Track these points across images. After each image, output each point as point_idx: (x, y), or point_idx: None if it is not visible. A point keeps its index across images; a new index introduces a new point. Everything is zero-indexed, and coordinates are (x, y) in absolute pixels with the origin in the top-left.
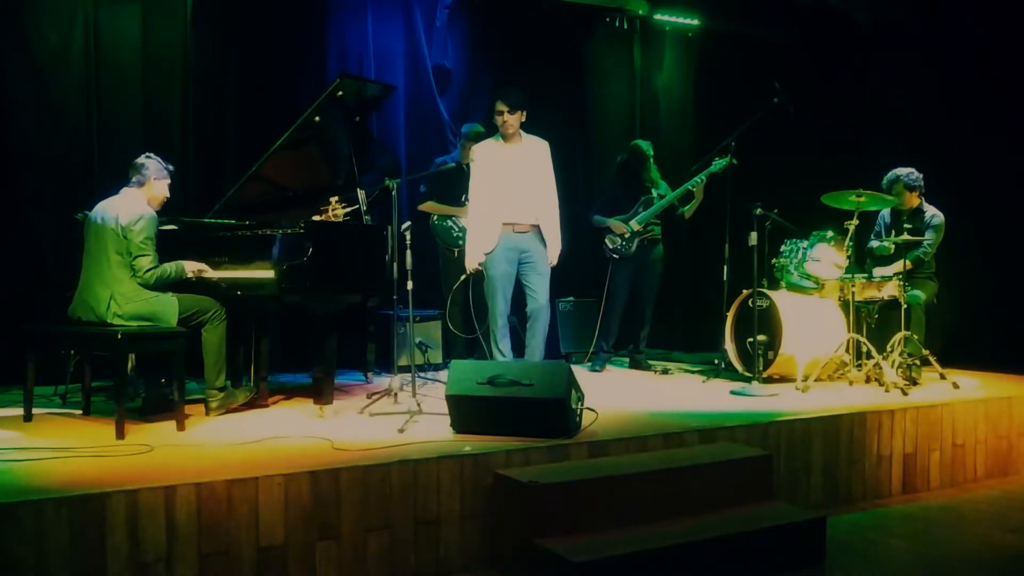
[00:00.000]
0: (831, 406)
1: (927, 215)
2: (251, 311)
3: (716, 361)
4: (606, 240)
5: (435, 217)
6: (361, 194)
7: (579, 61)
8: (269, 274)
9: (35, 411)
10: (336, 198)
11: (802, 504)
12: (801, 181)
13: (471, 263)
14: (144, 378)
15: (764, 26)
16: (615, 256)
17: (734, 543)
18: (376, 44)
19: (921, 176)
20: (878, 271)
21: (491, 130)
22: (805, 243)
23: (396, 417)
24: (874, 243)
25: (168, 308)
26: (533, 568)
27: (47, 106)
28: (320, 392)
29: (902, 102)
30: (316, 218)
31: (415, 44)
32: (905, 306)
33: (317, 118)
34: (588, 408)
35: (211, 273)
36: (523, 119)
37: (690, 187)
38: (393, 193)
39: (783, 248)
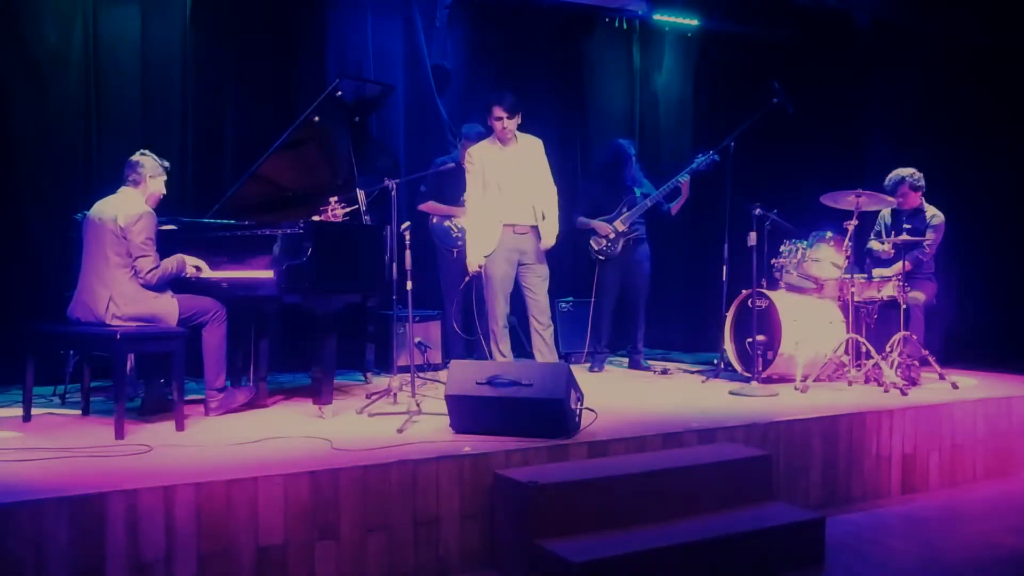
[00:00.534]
0: (830, 406)
1: (927, 215)
2: (250, 311)
3: (715, 361)
4: (591, 242)
5: (434, 218)
6: (360, 194)
7: (578, 61)
8: (268, 274)
9: (34, 411)
10: (335, 198)
11: (801, 504)
12: (800, 181)
13: (472, 264)
14: (143, 378)
15: (763, 26)
16: (600, 257)
17: (733, 543)
18: (376, 44)
19: (922, 176)
20: (877, 271)
21: (491, 131)
22: (804, 243)
23: (395, 417)
24: (873, 243)
25: (168, 309)
26: (532, 568)
27: (46, 106)
28: (319, 392)
29: (901, 102)
30: (315, 218)
31: (415, 44)
32: (904, 306)
33: (316, 118)
34: (587, 408)
35: (210, 273)
36: (519, 121)
37: (674, 185)
38: (392, 193)
39: (782, 248)
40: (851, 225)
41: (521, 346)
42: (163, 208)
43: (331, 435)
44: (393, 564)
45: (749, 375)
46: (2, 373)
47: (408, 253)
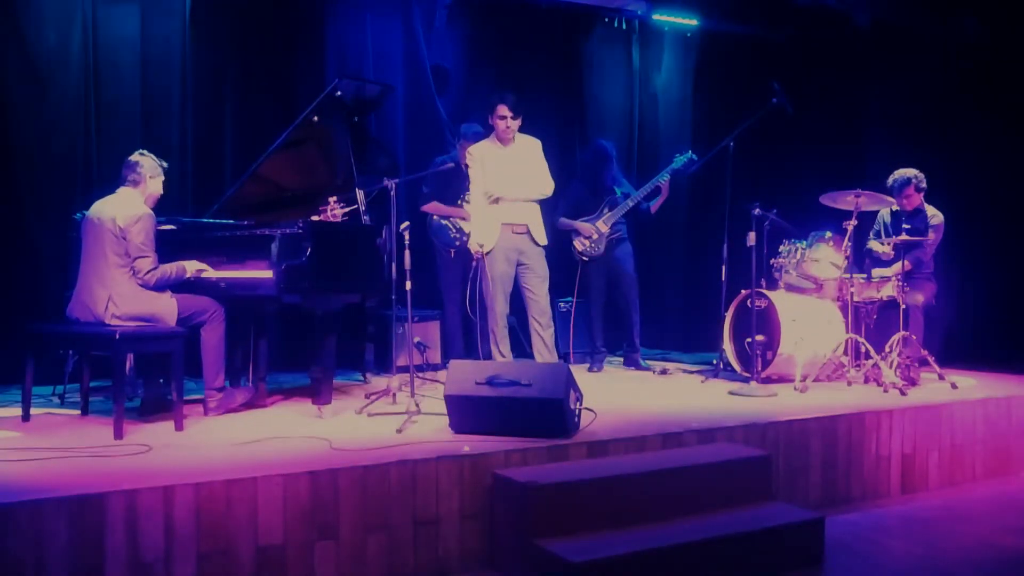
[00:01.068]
0: (830, 406)
1: (927, 215)
2: (250, 311)
3: (715, 361)
4: (574, 242)
5: (434, 217)
6: (360, 194)
7: (578, 61)
8: (268, 274)
9: (33, 411)
10: (335, 198)
11: (801, 504)
12: (799, 181)
13: (474, 244)
14: (143, 378)
15: (763, 26)
16: (584, 258)
17: (733, 543)
18: (375, 44)
19: (924, 177)
20: (877, 271)
21: (490, 131)
22: (804, 243)
23: (395, 417)
24: (873, 243)
25: (167, 308)
26: (532, 568)
27: (45, 106)
28: (319, 392)
29: (900, 102)
30: (315, 218)
31: (414, 44)
32: (904, 306)
33: (316, 118)
34: (587, 408)
35: (210, 273)
36: (520, 122)
37: (655, 184)
38: (392, 193)
39: (782, 248)
40: (850, 225)
41: (521, 346)
42: (162, 208)
43: (330, 435)
44: (392, 564)
45: (748, 375)
46: (1, 373)
47: (407, 253)
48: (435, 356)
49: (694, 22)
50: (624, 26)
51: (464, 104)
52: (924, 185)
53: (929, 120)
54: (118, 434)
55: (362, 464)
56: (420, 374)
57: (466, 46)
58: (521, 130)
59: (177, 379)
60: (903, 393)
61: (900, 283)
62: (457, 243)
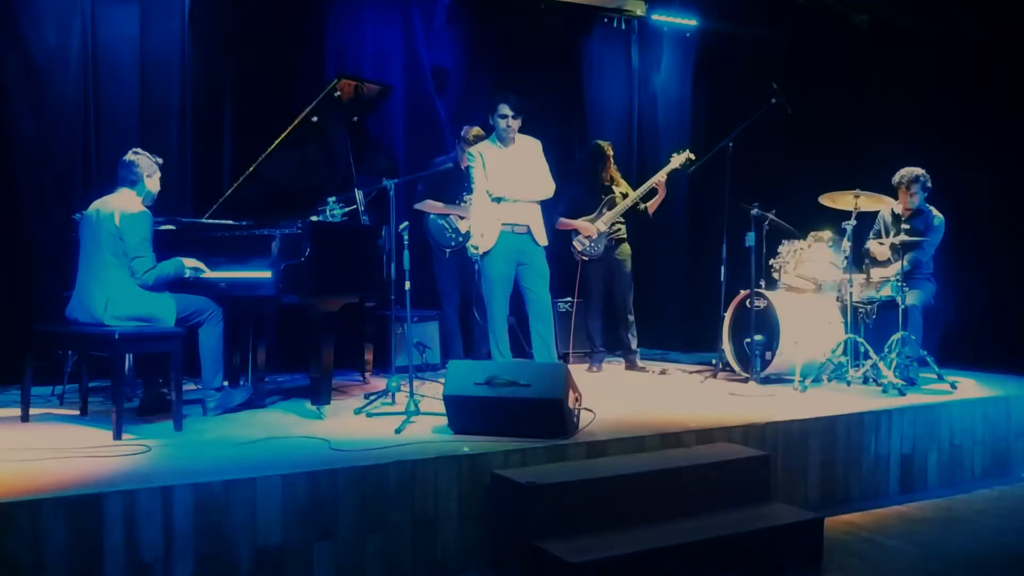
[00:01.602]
0: (829, 406)
1: (927, 216)
2: (249, 311)
3: (714, 361)
4: (574, 242)
5: (430, 216)
6: (359, 194)
7: (577, 61)
8: (266, 274)
9: (32, 411)
10: (334, 198)
11: (800, 504)
12: (799, 181)
13: (470, 248)
14: (142, 378)
15: (762, 27)
16: (584, 258)
17: (732, 544)
18: (374, 44)
19: (928, 178)
20: (876, 272)
21: (488, 131)
22: (803, 243)
23: (393, 417)
24: (871, 243)
25: (165, 308)
26: (531, 568)
27: (45, 106)
28: (317, 392)
29: (900, 102)
30: (314, 218)
31: (413, 44)
32: (903, 307)
33: (315, 118)
34: (586, 408)
35: (209, 273)
36: (521, 123)
37: (652, 184)
38: (391, 193)
39: (781, 248)
40: (849, 225)
41: (520, 347)
42: (161, 208)
43: (329, 435)
44: (391, 564)
45: (747, 375)
46: (1, 373)
47: (406, 253)
48: (434, 356)
49: (693, 22)
50: (623, 26)
51: (463, 104)
52: (930, 185)
53: (928, 120)
54: (117, 434)
55: (361, 464)
56: (419, 374)
57: (465, 46)
58: (521, 130)
59: (176, 379)
60: (902, 393)
61: (899, 283)
62: (453, 243)
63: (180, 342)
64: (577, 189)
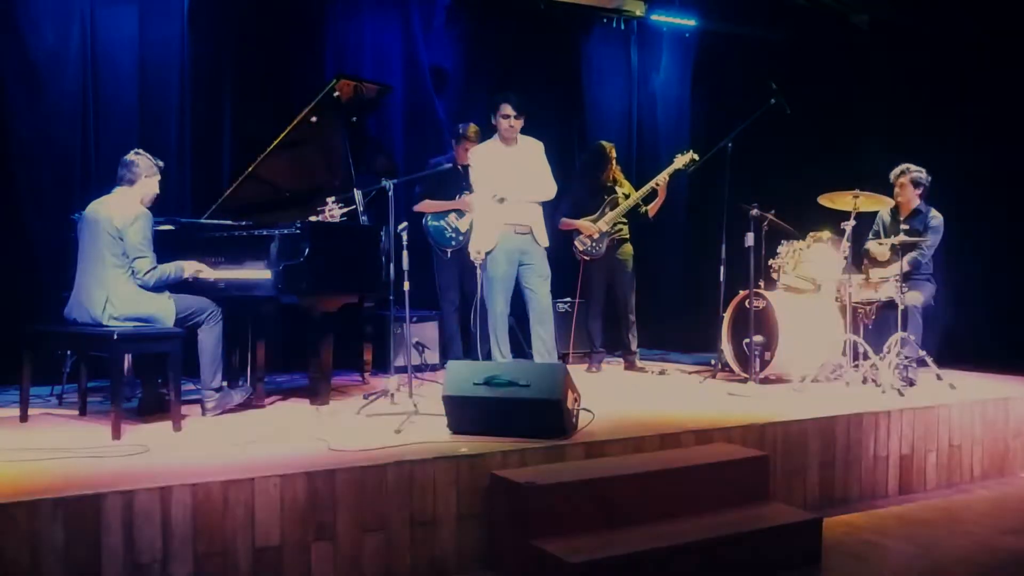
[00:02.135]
0: (827, 407)
1: (926, 216)
2: (248, 311)
3: (713, 362)
4: (575, 242)
5: (428, 217)
6: (358, 194)
7: (576, 61)
8: (266, 275)
9: (31, 411)
10: (333, 198)
11: (798, 505)
12: (798, 182)
13: (473, 251)
14: (140, 378)
15: (761, 27)
16: (586, 258)
17: (730, 544)
18: (373, 44)
19: (929, 179)
20: (875, 272)
21: (486, 130)
22: (802, 244)
23: (392, 418)
24: (870, 244)
25: (164, 309)
26: (529, 569)
27: (44, 106)
28: (316, 393)
29: (899, 102)
30: (313, 219)
31: (412, 44)
32: (902, 307)
33: (314, 118)
34: (585, 409)
35: (208, 273)
36: (523, 123)
37: (654, 185)
38: (390, 194)
39: (780, 249)
40: (849, 225)
41: (520, 347)
42: (160, 208)
43: (328, 436)
44: (390, 565)
45: (746, 376)
46: None
47: (405, 253)
48: (433, 356)
49: (692, 22)
50: (623, 26)
51: (463, 104)
52: (923, 182)
53: (928, 120)
54: (116, 434)
55: (360, 464)
56: (418, 374)
57: (464, 46)
58: (522, 131)
59: (175, 379)
60: (901, 394)
61: (898, 284)
62: (454, 243)
63: (179, 342)
64: (579, 189)
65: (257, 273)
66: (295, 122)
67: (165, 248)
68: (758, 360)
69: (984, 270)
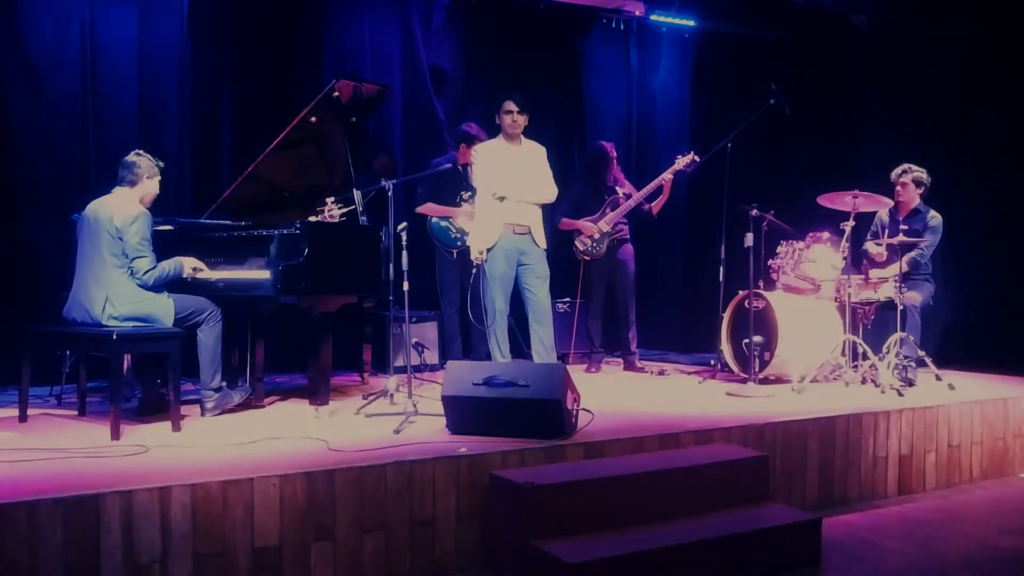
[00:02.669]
0: (827, 407)
1: (925, 217)
2: (247, 312)
3: (712, 362)
4: (576, 242)
5: (432, 218)
6: (357, 195)
7: (576, 62)
8: (265, 275)
9: (30, 411)
10: (332, 199)
11: (798, 505)
12: (797, 182)
13: (474, 252)
14: (140, 379)
15: (760, 27)
16: (586, 258)
17: (730, 544)
18: (373, 44)
19: (930, 180)
20: (874, 272)
21: (487, 130)
22: (801, 244)
23: (392, 418)
24: (869, 244)
25: (164, 309)
26: (529, 569)
27: (43, 106)
28: (316, 393)
29: (898, 103)
30: (312, 219)
31: (412, 45)
32: (901, 307)
33: (313, 119)
34: (584, 409)
35: (208, 273)
36: (526, 124)
37: (657, 185)
38: (389, 194)
39: (779, 249)
40: (848, 226)
41: (520, 347)
42: (160, 208)
43: (327, 436)
44: (389, 565)
45: (746, 376)
46: None
47: (404, 253)
48: (433, 357)
49: (691, 23)
50: (622, 26)
51: (462, 104)
52: (923, 182)
53: (926, 121)
54: (115, 435)
55: (359, 465)
56: (418, 375)
57: (464, 46)
58: (524, 133)
59: (174, 380)
60: (900, 394)
61: (897, 284)
62: (459, 243)
63: (178, 342)
64: (580, 189)
65: (256, 273)
66: (294, 122)
67: (165, 248)
68: (757, 360)
69: (983, 270)
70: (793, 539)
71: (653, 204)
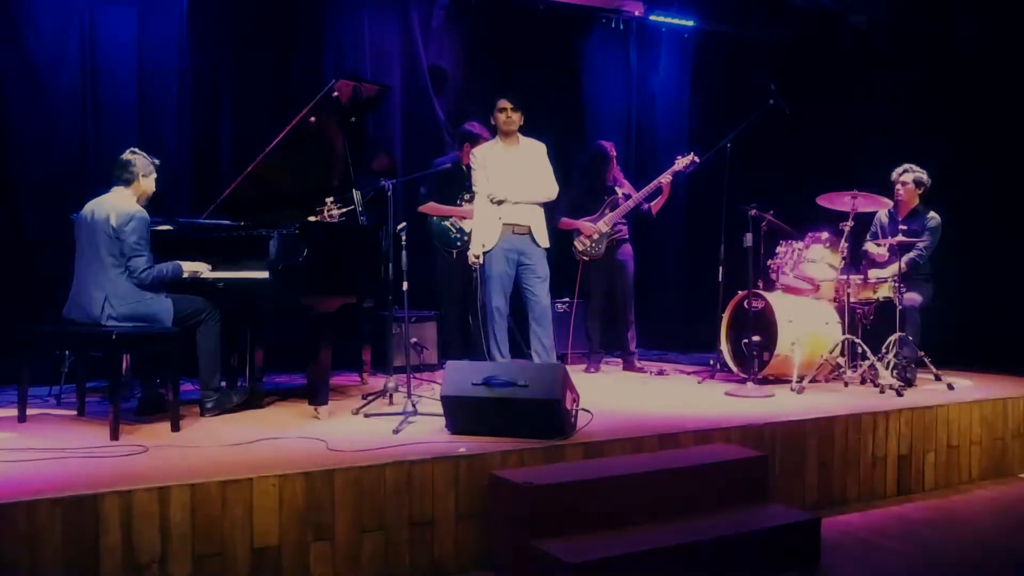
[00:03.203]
0: (826, 407)
1: (924, 218)
2: (246, 312)
3: (711, 362)
4: (575, 242)
5: (433, 218)
6: (357, 195)
7: (575, 62)
8: (264, 275)
9: (29, 411)
10: (332, 199)
11: (797, 505)
12: (796, 182)
13: (471, 256)
14: (139, 379)
15: (760, 27)
16: (585, 258)
17: (729, 544)
18: (372, 44)
19: (930, 181)
20: (874, 272)
21: (492, 130)
22: (800, 244)
23: (391, 418)
24: (869, 245)
25: (163, 309)
26: (528, 569)
27: (43, 106)
28: (315, 393)
29: (897, 103)
30: (311, 219)
31: (411, 44)
32: (900, 308)
33: (313, 119)
34: (583, 409)
35: (207, 273)
36: (521, 122)
37: (656, 185)
38: (389, 194)
39: (778, 249)
40: (847, 226)
41: (519, 347)
42: (159, 208)
43: (326, 436)
44: (388, 565)
45: (745, 376)
46: None
47: (404, 254)
48: (432, 357)
49: (691, 23)
50: (622, 26)
51: (461, 104)
52: (923, 183)
53: (926, 121)
54: (114, 435)
55: (358, 465)
56: (417, 375)
57: (463, 46)
58: (522, 131)
59: (173, 380)
60: (899, 394)
61: (896, 284)
62: (459, 244)
63: (177, 343)
64: (580, 189)
65: (256, 273)
66: (294, 122)
67: (164, 248)
68: (757, 360)
69: (983, 270)
70: (792, 539)
71: (652, 204)
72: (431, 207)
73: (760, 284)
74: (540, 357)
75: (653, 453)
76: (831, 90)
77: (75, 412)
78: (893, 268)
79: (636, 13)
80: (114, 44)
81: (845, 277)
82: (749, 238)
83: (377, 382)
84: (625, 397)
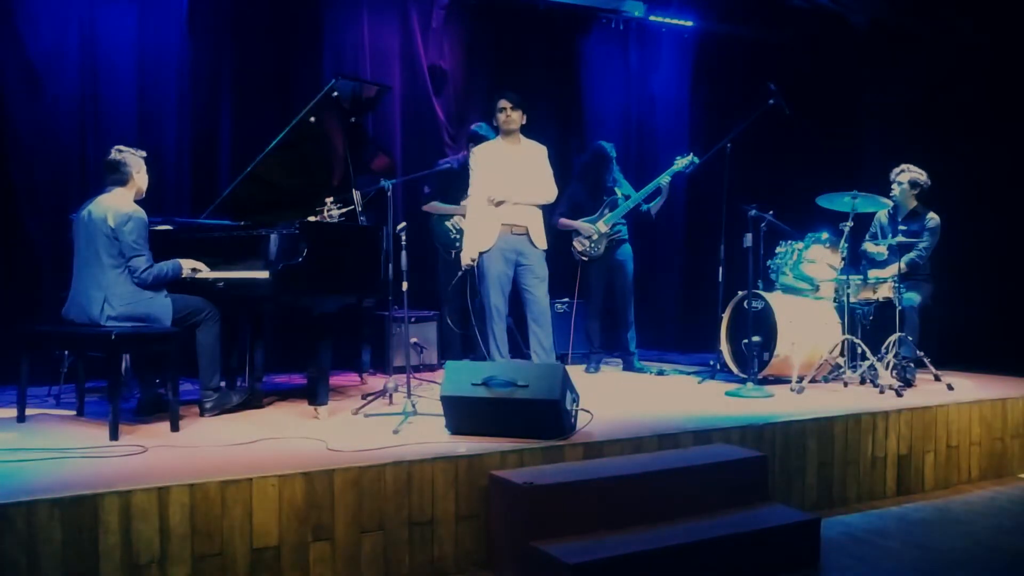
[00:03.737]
0: (826, 407)
1: (923, 218)
2: (246, 312)
3: (711, 362)
4: (574, 243)
5: (435, 218)
6: (356, 195)
7: (575, 62)
8: (264, 275)
9: (29, 411)
10: (331, 199)
11: (797, 505)
12: (796, 182)
13: (466, 258)
14: (138, 379)
15: (760, 28)
16: (584, 258)
17: (729, 544)
18: (372, 44)
19: (928, 182)
20: (873, 273)
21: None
22: (800, 244)
23: (391, 418)
24: (868, 245)
25: (162, 309)
26: (528, 570)
27: (42, 106)
28: (315, 393)
29: (897, 103)
30: (311, 219)
31: (411, 44)
32: (900, 308)
33: (312, 119)
34: (583, 409)
35: (206, 273)
36: (523, 121)
37: (655, 186)
38: (389, 194)
39: (778, 249)
40: (847, 226)
41: (518, 347)
42: (159, 208)
43: (326, 436)
44: (388, 565)
45: (745, 376)
46: None
47: (404, 253)
48: (431, 357)
49: (691, 23)
50: (622, 27)
51: (461, 105)
52: (921, 184)
53: (926, 121)
54: (113, 435)
55: (358, 465)
56: (416, 375)
57: (463, 46)
58: (522, 131)
59: (173, 380)
60: (899, 394)
61: (896, 284)
62: (458, 244)
63: (177, 343)
64: (579, 190)
65: (255, 273)
66: (294, 122)
67: (164, 248)
68: (756, 360)
69: (982, 271)
70: (792, 539)
71: (652, 205)
72: (434, 206)
73: (760, 284)
74: (539, 358)
75: (653, 453)
76: (831, 90)
77: (74, 412)
78: (893, 268)
79: (636, 13)
80: (114, 44)
81: (845, 277)
82: (749, 238)
83: (377, 382)
84: (625, 397)
